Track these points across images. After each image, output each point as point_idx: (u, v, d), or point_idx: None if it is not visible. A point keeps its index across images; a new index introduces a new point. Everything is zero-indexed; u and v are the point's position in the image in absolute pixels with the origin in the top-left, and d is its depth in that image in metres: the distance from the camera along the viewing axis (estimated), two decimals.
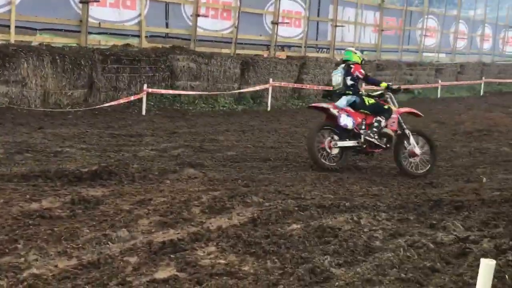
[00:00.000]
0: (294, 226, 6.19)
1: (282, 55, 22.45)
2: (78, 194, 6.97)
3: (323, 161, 10.30)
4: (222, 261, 5.16)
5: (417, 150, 10.83)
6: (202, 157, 10.49)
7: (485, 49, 37.27)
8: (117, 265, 4.96)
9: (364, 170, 10.76)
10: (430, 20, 31.04)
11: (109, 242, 5.48)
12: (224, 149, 11.56)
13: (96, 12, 16.88)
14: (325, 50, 25.53)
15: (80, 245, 5.34)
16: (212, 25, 19.86)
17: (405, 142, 10.88)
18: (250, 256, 5.31)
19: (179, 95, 17.46)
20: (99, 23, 16.97)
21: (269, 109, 19.12)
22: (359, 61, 11.24)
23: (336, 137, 10.43)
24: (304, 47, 23.35)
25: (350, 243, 5.64)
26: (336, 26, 24.35)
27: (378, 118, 10.67)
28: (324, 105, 10.93)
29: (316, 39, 24.41)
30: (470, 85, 31.76)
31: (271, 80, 19.29)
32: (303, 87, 21.40)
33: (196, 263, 5.07)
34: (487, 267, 3.03)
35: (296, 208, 6.92)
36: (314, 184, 8.96)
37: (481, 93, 31.04)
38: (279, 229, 6.08)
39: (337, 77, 11.27)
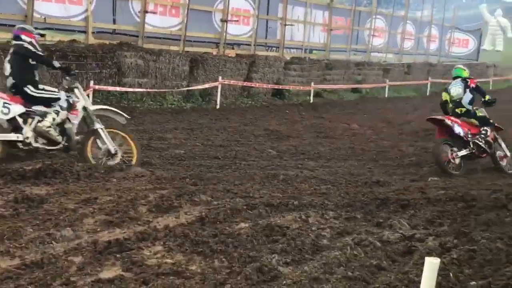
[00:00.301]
0: (242, 225, 6.15)
1: (231, 53, 22.41)
2: (21, 193, 6.82)
3: (451, 171, 11.45)
4: (169, 261, 5.10)
5: (507, 153, 12.52)
6: (149, 155, 10.38)
7: (431, 49, 37.86)
8: (61, 265, 4.86)
9: (312, 169, 10.79)
10: (378, 20, 31.38)
11: (53, 242, 5.37)
12: (172, 147, 11.47)
13: (42, 7, 16.57)
14: (275, 48, 25.59)
15: (23, 244, 5.22)
16: (161, 22, 19.70)
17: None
18: (197, 255, 5.26)
19: (127, 92, 17.26)
20: (45, 18, 16.64)
21: (218, 107, 19.05)
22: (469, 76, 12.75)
23: (455, 149, 11.68)
24: (254, 45, 23.34)
25: (298, 242, 5.63)
26: (285, 25, 24.40)
27: (485, 128, 12.17)
28: (439, 117, 12.15)
29: (266, 38, 24.45)
30: (417, 85, 32.21)
31: (220, 78, 19.23)
32: (253, 85, 21.40)
33: (143, 263, 4.99)
34: (431, 265, 3.05)
35: (245, 207, 6.89)
36: (262, 183, 8.95)
37: (428, 93, 31.51)
38: (227, 228, 6.04)
39: (457, 89, 12.51)
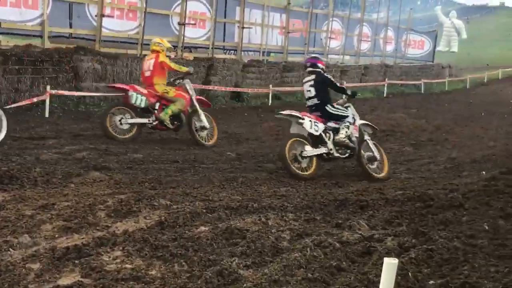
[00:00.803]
0: (202, 228, 6.14)
1: (189, 56, 22.32)
2: None
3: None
4: (129, 266, 5.07)
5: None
6: (107, 159, 10.28)
7: (388, 51, 38.27)
8: (19, 272, 4.79)
9: (271, 171, 10.80)
10: (335, 22, 31.59)
11: (10, 249, 5.29)
12: (130, 151, 11.37)
13: None
14: (233, 51, 25.58)
15: None
16: (118, 25, 19.53)
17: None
18: (157, 260, 5.23)
19: (84, 96, 17.07)
20: (0, 22, 16.39)
21: None
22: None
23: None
24: (212, 48, 23.30)
25: (258, 244, 5.64)
26: (243, 28, 24.42)
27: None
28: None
29: (223, 41, 24.42)
30: (374, 87, 32.53)
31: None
32: (211, 88, 21.36)
33: (102, 268, 4.95)
34: (390, 266, 3.07)
35: (204, 210, 6.88)
36: (222, 186, 8.94)
37: (385, 95, 31.83)
38: (187, 232, 6.02)
39: None
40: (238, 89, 22.79)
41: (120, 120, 12.48)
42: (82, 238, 5.70)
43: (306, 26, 29.20)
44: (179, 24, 21.30)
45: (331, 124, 11.16)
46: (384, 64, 36.31)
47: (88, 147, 11.36)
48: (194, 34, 22.60)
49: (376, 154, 11.43)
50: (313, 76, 11.44)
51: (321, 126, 10.97)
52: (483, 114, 24.60)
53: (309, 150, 10.66)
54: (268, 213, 6.94)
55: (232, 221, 6.50)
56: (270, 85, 24.04)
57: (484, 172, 11.16)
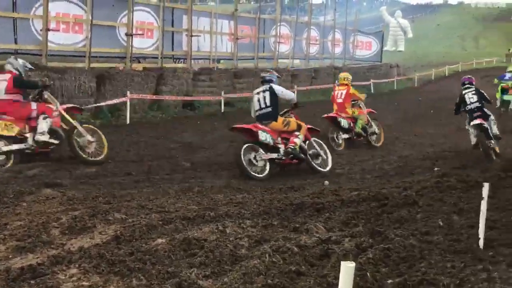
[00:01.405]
0: (159, 240, 6.08)
1: (138, 67, 22.18)
2: None
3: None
4: (86, 283, 4.98)
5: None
6: (60, 176, 10.14)
7: (336, 53, 38.61)
8: None
9: (227, 179, 10.79)
10: (283, 27, 31.74)
11: None
12: (82, 166, 11.24)
13: None
14: (182, 60, 25.49)
15: None
16: (64, 39, 19.29)
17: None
18: (114, 276, 5.16)
19: None
20: None
21: (128, 122, 18.80)
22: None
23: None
24: (161, 58, 23.19)
25: (216, 254, 5.61)
26: (191, 36, 24.36)
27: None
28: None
29: (172, 50, 24.31)
30: (325, 89, 32.76)
31: (128, 93, 19.01)
32: (162, 98, 21.27)
33: (58, 287, 4.86)
34: (347, 269, 3.08)
35: (160, 222, 6.82)
36: (177, 196, 8.88)
37: None
38: (143, 245, 5.95)
39: None
40: (190, 98, 22.73)
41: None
42: (37, 258, 5.58)
43: (254, 32, 29.28)
44: (126, 35, 21.14)
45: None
46: (333, 66, 36.62)
47: (40, 164, 11.19)
48: (142, 44, 22.45)
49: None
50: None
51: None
52: (432, 111, 24.97)
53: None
54: (226, 221, 6.90)
55: (189, 231, 6.45)
56: (222, 92, 24.03)
57: (437, 169, 11.32)
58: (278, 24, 30.96)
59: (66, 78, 18.11)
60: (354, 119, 16.54)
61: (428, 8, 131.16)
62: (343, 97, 17.02)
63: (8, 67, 11.92)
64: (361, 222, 7.16)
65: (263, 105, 11.90)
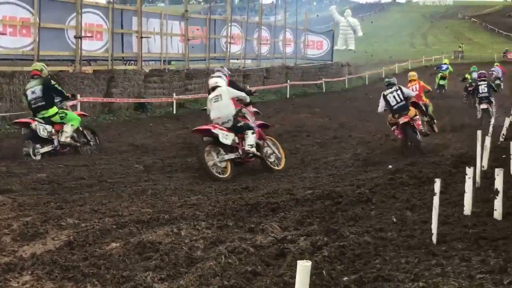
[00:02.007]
0: (113, 245, 6.01)
1: (88, 69, 21.93)
2: None
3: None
4: None
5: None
6: (10, 181, 9.93)
7: (288, 53, 38.75)
8: None
9: (181, 181, 10.73)
10: (234, 27, 31.73)
11: None
12: (33, 171, 11.03)
13: None
14: (133, 62, 25.29)
15: None
16: (11, 42, 18.96)
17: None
18: (68, 281, 5.08)
19: None
20: None
21: None
22: None
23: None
24: (111, 60, 22.96)
25: (171, 256, 5.57)
26: (141, 37, 24.18)
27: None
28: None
29: (122, 52, 24.10)
30: (277, 89, 32.88)
31: (79, 96, 18.76)
32: (114, 101, 21.07)
33: None
34: (303, 268, 3.08)
35: (114, 226, 6.74)
36: (131, 200, 8.80)
37: (288, 96, 32.21)
38: (97, 249, 5.88)
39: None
40: (141, 100, 22.57)
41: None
42: None
43: (205, 33, 29.21)
44: (75, 37, 20.87)
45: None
46: (285, 66, 36.76)
47: None
48: (92, 46, 22.20)
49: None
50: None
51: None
52: None
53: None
54: (180, 224, 6.87)
55: (144, 234, 6.39)
56: (174, 94, 23.92)
57: (391, 166, 11.44)
58: (229, 24, 30.95)
59: (14, 82, 17.81)
60: (426, 106, 18.10)
61: (377, 7, 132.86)
62: (417, 89, 19.25)
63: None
64: (316, 220, 7.20)
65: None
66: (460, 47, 71.15)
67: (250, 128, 11.98)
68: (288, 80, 33.61)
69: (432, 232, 5.99)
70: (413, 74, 20.50)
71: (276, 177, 11.30)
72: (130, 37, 24.26)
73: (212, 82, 12.41)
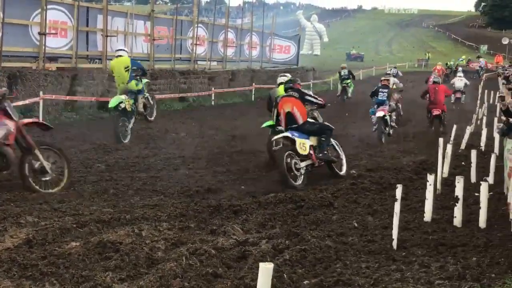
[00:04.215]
0: (73, 244, 5.95)
1: (52, 67, 21.67)
2: None
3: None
4: None
5: None
6: None
7: (254, 56, 38.78)
8: None
9: (143, 181, 10.66)
10: (200, 29, 31.65)
11: None
12: None
13: None
14: (97, 60, 25.06)
15: None
16: None
17: None
18: (26, 280, 5.01)
19: None
20: None
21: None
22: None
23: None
24: (75, 58, 22.71)
25: (132, 257, 5.53)
26: (107, 36, 23.99)
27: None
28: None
29: (87, 50, 23.86)
30: (242, 92, 32.88)
31: (41, 93, 18.53)
32: (77, 99, 20.85)
33: None
34: (265, 270, 3.08)
35: (74, 225, 6.68)
36: (92, 199, 8.73)
37: (253, 99, 32.23)
38: (57, 248, 5.82)
39: None
40: (105, 99, 22.37)
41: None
42: None
43: (171, 33, 29.09)
44: (39, 34, 20.61)
45: None
46: (250, 69, 36.78)
47: None
48: (56, 44, 21.92)
49: None
50: None
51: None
52: (347, 114, 25.42)
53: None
54: (142, 224, 6.83)
55: (104, 234, 6.34)
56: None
57: (354, 171, 11.51)
58: (195, 26, 30.87)
59: None
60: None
61: (343, 13, 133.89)
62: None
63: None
64: (278, 223, 7.23)
65: None
66: (426, 55, 72.20)
67: None
68: (254, 83, 33.62)
69: (393, 237, 6.05)
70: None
71: (237, 179, 11.28)
72: (95, 35, 24.04)
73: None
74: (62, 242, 6.08)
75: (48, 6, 20.62)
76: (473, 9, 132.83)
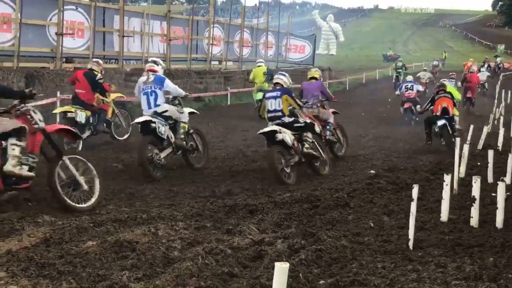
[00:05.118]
0: (90, 243, 5.98)
1: (69, 67, 21.77)
2: None
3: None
4: (14, 287, 4.86)
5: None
6: None
7: (269, 56, 38.75)
8: None
9: (160, 180, 10.69)
10: (216, 29, 31.68)
11: None
12: None
13: None
14: (114, 60, 25.16)
15: None
16: None
17: None
18: (44, 279, 5.05)
19: None
20: None
21: (58, 122, 18.39)
22: None
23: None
24: (92, 58, 22.80)
25: (148, 256, 5.55)
26: (123, 36, 24.08)
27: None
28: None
29: (104, 50, 23.96)
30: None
31: (59, 93, 18.62)
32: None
33: None
34: (281, 270, 3.09)
35: (91, 225, 6.72)
36: (109, 199, 8.76)
37: None
38: (74, 247, 5.85)
39: None
40: (122, 99, 22.43)
41: None
42: None
43: (187, 33, 29.15)
44: (56, 34, 20.73)
45: None
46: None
47: None
48: (73, 44, 22.04)
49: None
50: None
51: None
52: (363, 114, 25.35)
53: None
54: (158, 224, 6.85)
55: (121, 233, 6.37)
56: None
57: (372, 171, 11.50)
58: (211, 26, 30.90)
59: None
60: None
61: (360, 13, 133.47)
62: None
63: None
64: (294, 223, 7.22)
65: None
66: (442, 54, 71.73)
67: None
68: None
69: (409, 237, 6.03)
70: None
71: (252, 178, 11.28)
72: (111, 35, 24.13)
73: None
74: (79, 241, 6.12)
75: (65, 7, 20.74)
76: (490, 9, 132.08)
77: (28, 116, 8.01)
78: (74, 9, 21.49)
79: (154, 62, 12.52)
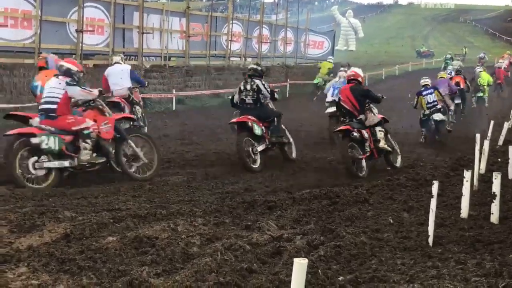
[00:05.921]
0: (110, 238, 6.01)
1: (89, 63, 21.89)
2: None
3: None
4: (35, 282, 4.90)
5: None
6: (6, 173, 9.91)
7: (288, 52, 38.69)
8: None
9: (179, 177, 10.72)
10: (235, 25, 31.69)
11: None
12: None
13: None
14: (133, 57, 25.25)
15: None
16: (12, 34, 18.87)
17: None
18: (64, 274, 5.08)
19: None
20: None
21: None
22: None
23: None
24: (112, 55, 22.90)
25: (168, 252, 5.58)
26: (143, 33, 24.16)
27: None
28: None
29: (123, 47, 24.04)
30: (277, 87, 32.83)
31: None
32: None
33: (7, 286, 4.77)
34: (299, 266, 3.09)
35: (111, 220, 6.75)
36: (128, 194, 8.80)
37: (287, 95, 32.18)
38: (94, 243, 5.89)
39: None
40: (141, 95, 22.52)
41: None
42: None
43: (206, 30, 29.17)
44: (76, 31, 20.84)
45: None
46: (285, 65, 36.70)
47: None
48: (93, 41, 22.15)
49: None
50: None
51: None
52: (382, 110, 25.21)
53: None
54: (177, 219, 6.88)
55: (141, 229, 6.40)
56: (173, 90, 23.93)
57: (389, 168, 11.47)
58: (230, 22, 30.90)
59: (15, 75, 17.80)
60: None
61: (379, 8, 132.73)
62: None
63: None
64: (313, 219, 7.22)
65: None
66: (463, 50, 71.20)
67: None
68: (288, 79, 33.57)
69: (429, 234, 6.01)
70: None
71: (271, 175, 11.29)
72: (131, 32, 24.22)
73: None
74: (99, 237, 6.15)
75: (85, 4, 20.86)
76: (510, 4, 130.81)
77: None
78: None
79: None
